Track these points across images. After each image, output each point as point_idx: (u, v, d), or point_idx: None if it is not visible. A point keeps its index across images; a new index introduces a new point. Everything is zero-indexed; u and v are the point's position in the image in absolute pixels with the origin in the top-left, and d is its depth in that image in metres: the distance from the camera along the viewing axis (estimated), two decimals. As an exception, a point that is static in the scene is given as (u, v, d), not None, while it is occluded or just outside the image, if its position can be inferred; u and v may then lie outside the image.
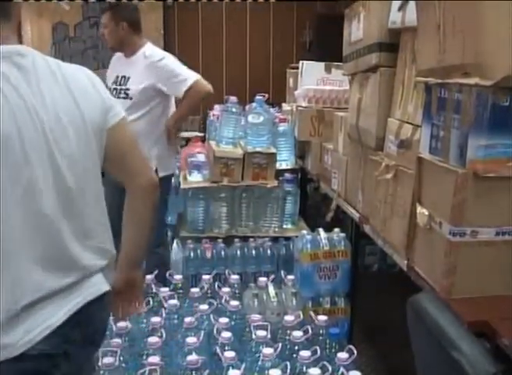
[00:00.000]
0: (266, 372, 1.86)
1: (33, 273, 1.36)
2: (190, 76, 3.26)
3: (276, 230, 3.53)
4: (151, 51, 3.33)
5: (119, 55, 3.45)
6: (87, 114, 1.47)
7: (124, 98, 3.24)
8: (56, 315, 1.40)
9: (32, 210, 1.35)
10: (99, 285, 1.52)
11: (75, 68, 1.55)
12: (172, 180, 3.64)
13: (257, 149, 3.42)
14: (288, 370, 1.86)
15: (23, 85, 1.34)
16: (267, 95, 3.58)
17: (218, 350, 1.98)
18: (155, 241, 3.35)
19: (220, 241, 3.30)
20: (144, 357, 1.98)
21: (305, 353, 1.93)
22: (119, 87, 3.29)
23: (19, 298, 1.33)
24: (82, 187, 1.46)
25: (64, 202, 1.41)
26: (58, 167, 1.39)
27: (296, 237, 3.08)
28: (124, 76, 3.30)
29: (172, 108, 3.42)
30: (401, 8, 2.23)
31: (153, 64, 3.24)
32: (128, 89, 3.25)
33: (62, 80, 1.44)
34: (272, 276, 2.75)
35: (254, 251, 3.24)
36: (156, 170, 3.11)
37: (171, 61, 3.32)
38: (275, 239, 3.41)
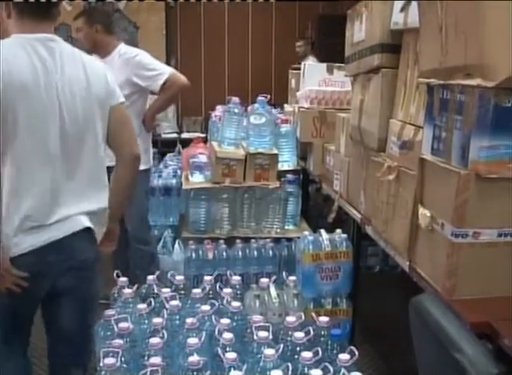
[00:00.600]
0: (267, 373, 1.85)
1: (33, 203, 1.85)
2: (166, 71, 3.43)
3: (278, 230, 3.53)
4: (125, 49, 3.50)
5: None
6: (94, 89, 1.97)
7: None
8: (38, 240, 1.86)
9: (42, 157, 1.87)
10: (80, 222, 1.95)
11: (97, 61, 2.24)
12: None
13: (259, 150, 3.42)
14: (289, 371, 1.86)
15: (49, 61, 1.87)
16: (269, 96, 3.57)
17: (220, 351, 1.97)
18: (137, 235, 3.53)
19: (222, 241, 3.30)
20: (146, 358, 1.97)
21: (307, 354, 1.92)
22: None
23: (21, 219, 1.83)
24: (80, 138, 1.94)
25: (64, 146, 1.90)
26: (64, 120, 1.89)
27: (298, 238, 3.07)
28: None
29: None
30: (403, 9, 2.23)
31: (128, 60, 3.40)
32: None
33: (80, 63, 1.97)
34: (274, 277, 2.75)
35: (255, 252, 3.24)
36: None
37: (145, 56, 3.48)
38: (276, 240, 3.41)
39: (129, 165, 2.19)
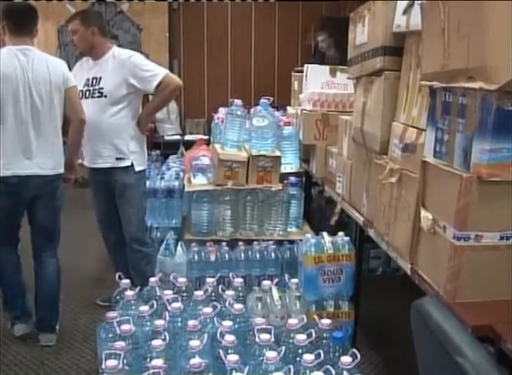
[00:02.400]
0: (269, 375, 1.85)
1: (12, 152, 3.11)
2: (160, 72, 3.46)
3: (280, 233, 3.52)
4: (119, 51, 3.55)
5: (83, 60, 3.67)
6: (53, 79, 3.17)
7: (99, 96, 3.46)
8: (19, 171, 3.14)
9: (18, 120, 3.10)
10: (41, 167, 3.19)
11: (56, 60, 3.31)
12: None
13: (262, 152, 3.41)
14: (291, 374, 1.86)
15: (25, 63, 3.10)
16: (272, 98, 3.57)
17: (222, 353, 1.97)
18: (137, 237, 3.62)
19: (224, 243, 3.29)
20: (148, 360, 1.98)
21: (309, 357, 1.92)
22: (91, 88, 3.48)
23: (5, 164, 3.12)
24: (45, 112, 3.16)
25: (34, 118, 3.13)
26: (33, 98, 3.11)
27: (301, 240, 3.07)
28: (96, 78, 3.48)
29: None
30: (406, 11, 2.23)
31: (123, 61, 3.44)
32: (102, 88, 3.45)
33: (45, 63, 3.17)
34: (276, 280, 2.74)
35: (258, 255, 3.23)
36: (132, 165, 3.49)
37: (140, 58, 3.53)
38: (279, 242, 3.40)
39: (77, 125, 3.30)
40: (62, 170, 3.28)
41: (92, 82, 3.47)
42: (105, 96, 3.43)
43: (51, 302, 3.38)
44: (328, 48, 6.94)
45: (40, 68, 3.11)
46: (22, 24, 3.14)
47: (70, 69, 3.36)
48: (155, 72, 3.42)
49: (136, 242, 3.59)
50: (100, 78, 3.45)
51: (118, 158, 3.49)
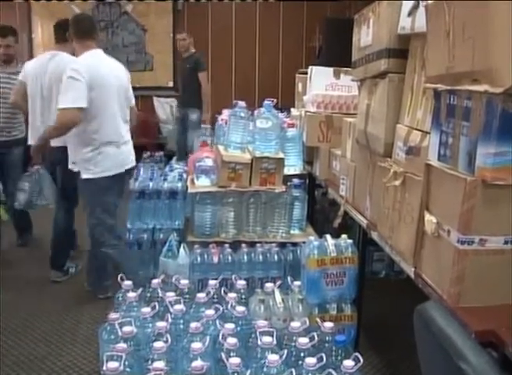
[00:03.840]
0: (271, 378, 1.85)
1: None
2: (64, 103, 3.45)
3: (284, 235, 3.51)
4: (69, 60, 3.82)
5: None
6: (54, 74, 3.97)
7: None
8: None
9: (43, 104, 4.20)
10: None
11: (67, 59, 3.95)
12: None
13: (265, 154, 3.41)
14: (293, 377, 1.85)
15: (45, 63, 4.17)
16: (275, 100, 3.56)
17: (224, 356, 1.97)
18: (90, 235, 3.78)
19: (227, 245, 3.28)
20: (149, 362, 1.97)
21: (311, 360, 1.91)
22: None
23: None
24: (50, 99, 4.04)
25: (44, 105, 4.13)
26: (43, 90, 4.14)
27: (304, 242, 3.06)
28: None
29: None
30: (411, 13, 2.22)
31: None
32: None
33: (55, 62, 4.09)
34: (279, 282, 2.74)
35: (261, 257, 3.22)
36: (79, 173, 3.61)
37: (69, 78, 3.48)
38: (282, 244, 3.39)
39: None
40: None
41: None
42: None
43: (54, 244, 4.20)
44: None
45: (49, 67, 4.03)
46: (59, 35, 4.17)
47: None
48: (63, 99, 3.47)
49: (92, 241, 3.82)
50: None
51: (72, 163, 3.68)
